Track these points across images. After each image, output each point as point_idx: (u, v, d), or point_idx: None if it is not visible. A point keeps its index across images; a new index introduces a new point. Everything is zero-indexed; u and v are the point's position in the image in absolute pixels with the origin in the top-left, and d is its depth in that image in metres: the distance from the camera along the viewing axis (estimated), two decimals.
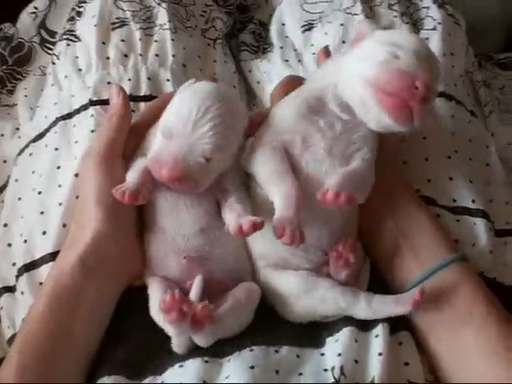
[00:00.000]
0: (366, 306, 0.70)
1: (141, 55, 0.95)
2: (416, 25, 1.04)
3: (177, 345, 0.70)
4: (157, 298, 0.70)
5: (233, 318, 0.71)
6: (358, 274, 0.76)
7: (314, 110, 0.74)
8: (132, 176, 0.72)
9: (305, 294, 0.72)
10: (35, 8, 1.11)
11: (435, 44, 0.99)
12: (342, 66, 0.74)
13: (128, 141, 0.78)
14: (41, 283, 0.78)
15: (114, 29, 0.97)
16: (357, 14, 1.02)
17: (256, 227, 0.68)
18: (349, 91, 0.72)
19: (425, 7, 1.06)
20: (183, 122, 0.69)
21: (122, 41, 0.96)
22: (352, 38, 0.76)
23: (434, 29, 1.02)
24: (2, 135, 1.01)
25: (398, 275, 0.76)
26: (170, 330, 0.69)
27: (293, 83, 0.82)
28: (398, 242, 0.77)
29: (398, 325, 0.72)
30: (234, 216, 0.71)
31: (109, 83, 0.91)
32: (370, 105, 0.70)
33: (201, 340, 0.69)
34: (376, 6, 1.05)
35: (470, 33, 1.10)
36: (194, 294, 0.70)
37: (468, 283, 0.74)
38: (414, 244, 0.76)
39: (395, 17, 1.03)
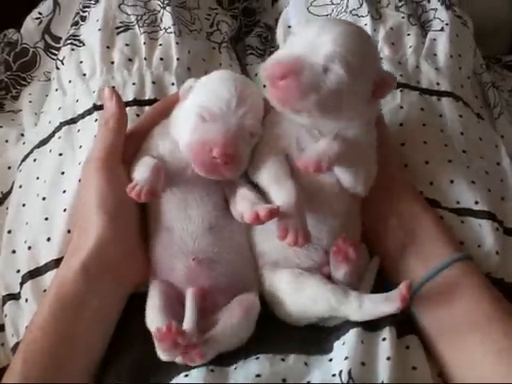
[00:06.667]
0: (357, 306, 0.69)
1: (145, 59, 0.95)
2: (424, 27, 1.03)
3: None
4: (153, 306, 0.70)
5: (231, 335, 0.70)
6: (362, 276, 0.75)
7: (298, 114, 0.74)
8: (142, 173, 0.72)
9: (296, 292, 0.72)
10: (39, 13, 1.11)
11: (442, 45, 0.99)
12: None
13: (128, 144, 0.78)
14: (45, 290, 0.78)
15: (118, 33, 0.97)
16: (363, 16, 1.02)
17: (272, 214, 0.68)
18: None
19: (432, 9, 1.05)
20: (226, 101, 0.72)
21: (127, 45, 0.96)
22: None
23: (441, 29, 1.01)
24: (7, 141, 1.00)
25: (403, 275, 0.76)
26: (159, 353, 0.68)
27: None
28: (402, 241, 0.77)
29: (404, 328, 0.72)
30: (247, 204, 0.71)
31: (113, 88, 0.90)
32: None
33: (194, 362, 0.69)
34: (383, 8, 1.04)
35: (478, 35, 1.09)
36: (188, 323, 0.69)
37: (472, 282, 0.74)
38: (418, 244, 0.76)
39: (403, 18, 1.02)
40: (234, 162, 0.71)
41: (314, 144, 0.73)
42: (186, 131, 0.73)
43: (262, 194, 0.75)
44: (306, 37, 0.71)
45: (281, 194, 0.71)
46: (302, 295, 0.72)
